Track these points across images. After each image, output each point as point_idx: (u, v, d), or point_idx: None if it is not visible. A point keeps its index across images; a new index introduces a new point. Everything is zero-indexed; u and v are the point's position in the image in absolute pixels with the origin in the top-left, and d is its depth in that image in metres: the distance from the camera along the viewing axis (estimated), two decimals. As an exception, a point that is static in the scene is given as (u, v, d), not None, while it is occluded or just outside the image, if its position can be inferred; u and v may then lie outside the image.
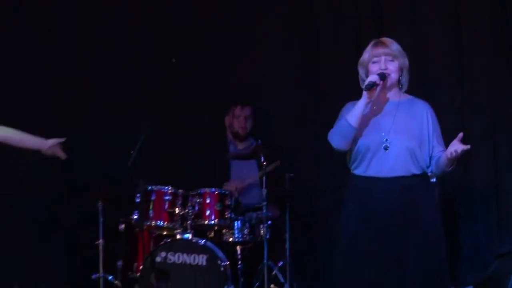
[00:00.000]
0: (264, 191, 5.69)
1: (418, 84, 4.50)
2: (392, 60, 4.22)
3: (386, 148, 4.17)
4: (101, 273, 5.94)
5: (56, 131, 4.86)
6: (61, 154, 4.82)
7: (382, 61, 4.21)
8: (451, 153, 4.05)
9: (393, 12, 6.13)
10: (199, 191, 5.75)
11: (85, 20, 6.54)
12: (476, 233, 5.89)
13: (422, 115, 4.24)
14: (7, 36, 6.35)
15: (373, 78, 4.16)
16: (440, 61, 6.03)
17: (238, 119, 6.28)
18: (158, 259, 5.57)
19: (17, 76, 6.30)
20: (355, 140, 4.22)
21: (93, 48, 6.53)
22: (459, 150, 4.03)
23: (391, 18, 6.12)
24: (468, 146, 4.03)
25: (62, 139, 4.79)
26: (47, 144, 4.76)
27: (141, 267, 5.68)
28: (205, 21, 6.61)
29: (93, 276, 5.94)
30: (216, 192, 5.77)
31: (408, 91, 4.31)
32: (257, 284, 5.78)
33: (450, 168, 4.16)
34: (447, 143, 4.17)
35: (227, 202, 5.76)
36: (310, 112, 6.33)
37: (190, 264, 5.54)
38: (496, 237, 5.86)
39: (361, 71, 4.29)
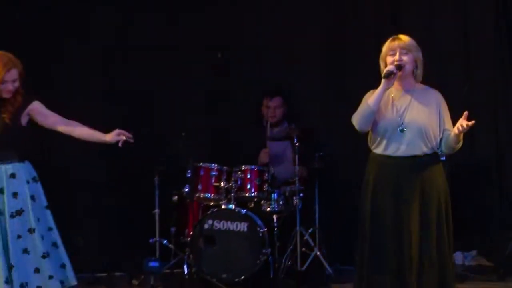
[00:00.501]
0: (297, 168, 6.04)
1: (431, 76, 4.62)
2: (406, 53, 4.36)
3: (402, 131, 4.34)
4: (157, 238, 6.31)
5: (119, 122, 4.95)
6: (129, 139, 4.78)
7: (398, 53, 4.36)
8: (458, 129, 4.23)
9: (408, 11, 6.53)
10: (241, 168, 6.11)
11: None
12: (479, 205, 6.29)
13: (434, 102, 4.39)
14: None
15: (390, 68, 4.33)
16: (449, 56, 6.45)
17: (269, 110, 6.56)
18: (205, 226, 5.95)
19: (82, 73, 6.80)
20: (375, 123, 4.37)
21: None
22: (464, 125, 4.19)
23: (407, 17, 6.51)
24: (473, 122, 4.18)
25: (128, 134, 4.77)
26: (112, 134, 4.72)
27: (191, 233, 6.01)
28: (248, 18, 6.95)
29: (150, 240, 6.31)
30: (256, 169, 6.14)
31: (422, 82, 4.46)
32: (291, 247, 6.10)
33: (458, 145, 4.35)
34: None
35: (265, 177, 6.12)
36: (338, 99, 6.61)
37: (233, 231, 5.91)
38: (498, 208, 6.17)
39: (382, 64, 4.44)
